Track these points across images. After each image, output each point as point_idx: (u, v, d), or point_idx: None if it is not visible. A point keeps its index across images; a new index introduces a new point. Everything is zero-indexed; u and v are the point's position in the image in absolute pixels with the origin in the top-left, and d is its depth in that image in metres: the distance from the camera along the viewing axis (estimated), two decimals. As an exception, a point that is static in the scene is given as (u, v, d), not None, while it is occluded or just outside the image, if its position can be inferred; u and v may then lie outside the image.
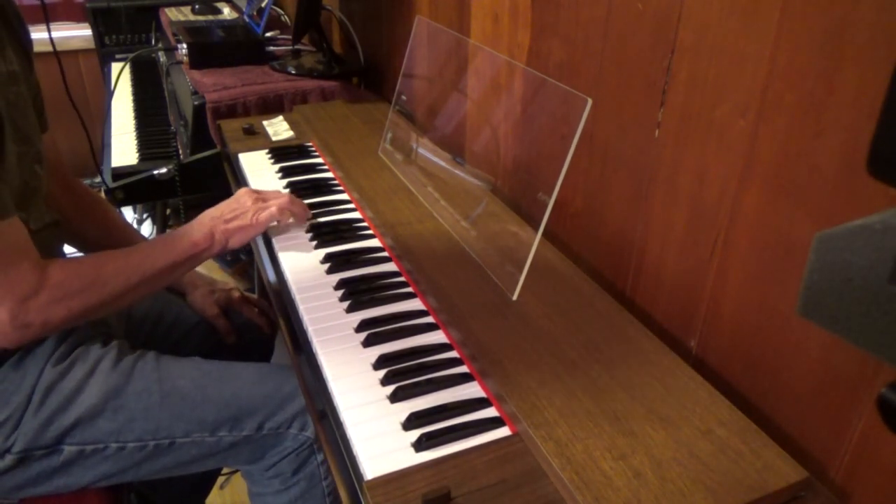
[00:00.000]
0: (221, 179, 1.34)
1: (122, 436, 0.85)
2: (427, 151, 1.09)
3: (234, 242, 0.93)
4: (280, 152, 1.25)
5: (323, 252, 0.94)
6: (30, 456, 0.82)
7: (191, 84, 1.49)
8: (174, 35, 1.78)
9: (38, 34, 0.99)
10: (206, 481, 1.26)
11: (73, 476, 0.86)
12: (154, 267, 0.86)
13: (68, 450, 0.84)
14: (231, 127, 1.38)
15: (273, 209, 0.95)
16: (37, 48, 0.95)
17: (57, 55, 1.12)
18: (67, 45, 2.66)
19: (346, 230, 1.00)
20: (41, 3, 1.04)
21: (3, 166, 0.76)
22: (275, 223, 0.98)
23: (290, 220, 0.99)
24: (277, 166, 1.20)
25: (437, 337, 0.79)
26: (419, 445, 0.63)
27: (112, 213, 1.13)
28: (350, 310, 0.82)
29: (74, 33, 2.70)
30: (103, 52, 2.44)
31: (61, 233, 0.96)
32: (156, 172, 1.49)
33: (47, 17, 1.08)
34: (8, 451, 0.81)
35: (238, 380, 0.92)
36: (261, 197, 0.96)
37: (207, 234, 0.90)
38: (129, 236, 1.13)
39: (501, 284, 0.83)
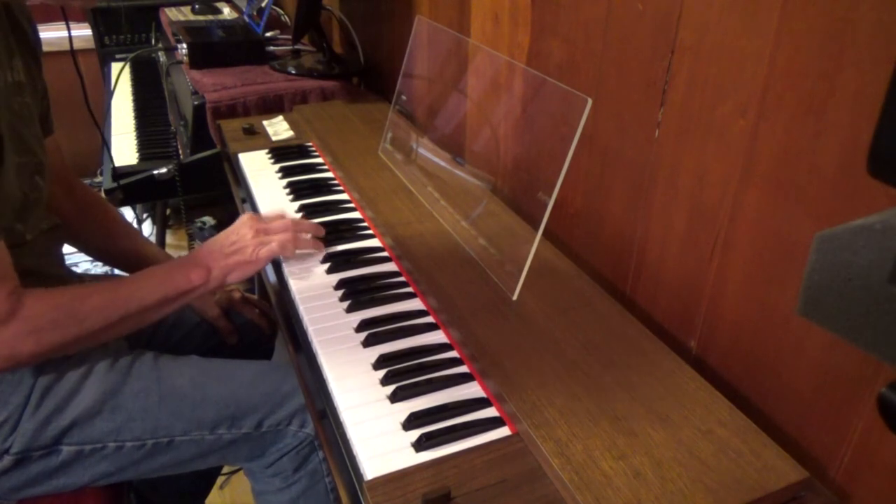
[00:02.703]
0: (221, 179, 1.34)
1: (120, 435, 0.85)
2: (427, 151, 1.09)
3: (233, 278, 0.89)
4: (280, 152, 1.25)
5: (323, 252, 0.94)
6: (28, 457, 0.82)
7: (191, 84, 1.49)
8: (174, 35, 1.78)
9: (46, 33, 0.99)
10: (205, 481, 1.26)
11: (72, 476, 0.85)
12: (142, 303, 0.82)
13: (67, 450, 0.84)
14: (231, 127, 1.38)
15: (274, 245, 0.89)
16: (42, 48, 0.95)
17: (74, 56, 1.11)
18: (67, 45, 2.65)
19: (346, 230, 1.00)
20: (61, 10, 1.04)
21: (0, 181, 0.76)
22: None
23: (297, 251, 0.93)
24: (277, 166, 1.20)
25: (437, 337, 0.79)
26: (419, 445, 0.63)
27: (113, 213, 1.13)
28: (350, 310, 0.82)
29: (74, 33, 2.69)
30: (103, 52, 2.44)
31: (61, 236, 0.96)
32: (156, 172, 1.50)
33: (67, 22, 1.08)
34: (6, 451, 0.81)
35: (236, 378, 0.92)
36: (263, 229, 0.91)
37: (204, 270, 0.86)
38: (131, 237, 1.13)
39: (501, 284, 0.83)
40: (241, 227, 0.91)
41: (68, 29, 1.07)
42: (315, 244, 0.93)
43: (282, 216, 0.94)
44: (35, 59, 0.91)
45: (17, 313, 0.73)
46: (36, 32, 0.92)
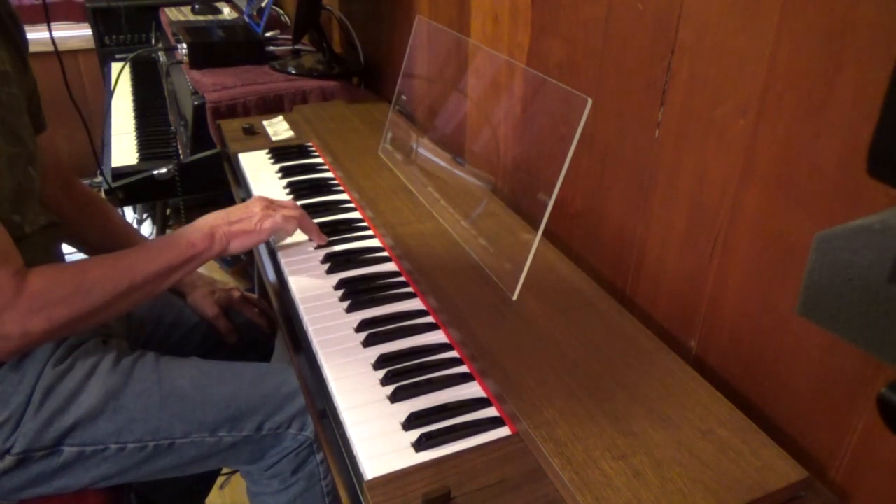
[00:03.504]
0: (221, 179, 1.34)
1: (121, 437, 0.85)
2: (427, 151, 1.09)
3: (235, 246, 0.90)
4: (280, 152, 1.25)
5: (323, 252, 0.94)
6: (30, 457, 0.82)
7: (191, 84, 1.49)
8: (174, 35, 1.78)
9: (35, 34, 0.99)
10: (205, 482, 1.26)
11: (73, 477, 0.85)
12: (146, 271, 0.83)
13: (68, 451, 0.84)
14: (231, 127, 1.38)
15: (278, 217, 0.91)
16: (37, 48, 0.95)
17: (58, 53, 1.11)
18: (67, 45, 2.65)
19: (346, 230, 1.00)
20: (43, 3, 1.04)
21: None
22: (288, 237, 0.96)
23: (297, 230, 0.95)
24: (277, 166, 1.20)
25: (437, 337, 0.79)
26: (419, 445, 0.63)
27: (112, 213, 1.13)
28: (350, 310, 0.82)
29: (74, 33, 2.70)
30: (103, 52, 2.44)
31: (59, 234, 0.96)
32: (156, 172, 1.50)
33: (48, 16, 1.08)
34: (8, 452, 0.81)
35: (237, 380, 0.92)
36: (272, 206, 0.93)
37: (207, 234, 0.87)
38: (130, 236, 1.13)
39: (501, 284, 0.83)
40: (252, 204, 0.93)
41: (49, 28, 1.07)
42: (319, 235, 0.95)
43: (293, 203, 0.97)
44: (20, 55, 0.90)
45: (23, 292, 0.73)
46: (22, 30, 0.92)
